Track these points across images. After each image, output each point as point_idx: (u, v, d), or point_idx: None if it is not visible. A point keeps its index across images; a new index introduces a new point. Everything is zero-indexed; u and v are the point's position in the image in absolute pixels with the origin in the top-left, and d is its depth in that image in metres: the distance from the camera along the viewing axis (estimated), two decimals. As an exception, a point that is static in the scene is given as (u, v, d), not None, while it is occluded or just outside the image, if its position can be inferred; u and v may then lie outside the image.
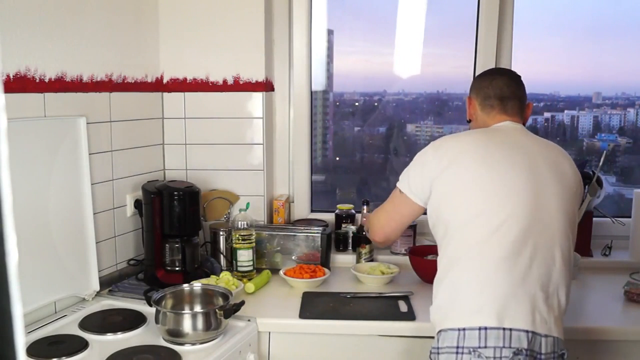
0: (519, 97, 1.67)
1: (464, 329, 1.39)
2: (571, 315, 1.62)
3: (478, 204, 1.47)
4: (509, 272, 1.40)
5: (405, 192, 1.62)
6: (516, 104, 1.65)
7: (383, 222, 1.74)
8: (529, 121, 1.81)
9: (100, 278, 1.92)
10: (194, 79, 2.35)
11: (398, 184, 1.66)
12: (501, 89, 1.66)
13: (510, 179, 1.48)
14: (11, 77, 1.60)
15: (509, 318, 1.37)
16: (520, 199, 1.45)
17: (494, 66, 2.26)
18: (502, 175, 1.48)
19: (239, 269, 2.13)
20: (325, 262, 2.20)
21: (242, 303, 1.71)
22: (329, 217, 2.49)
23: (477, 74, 2.02)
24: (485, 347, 1.36)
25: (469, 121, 1.76)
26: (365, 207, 2.30)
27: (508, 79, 1.68)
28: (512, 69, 2.00)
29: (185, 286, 1.82)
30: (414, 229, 2.35)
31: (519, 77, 1.71)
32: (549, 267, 1.43)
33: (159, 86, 2.33)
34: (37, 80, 1.69)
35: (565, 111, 2.77)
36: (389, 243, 1.96)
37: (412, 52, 2.64)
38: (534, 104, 2.61)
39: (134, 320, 1.75)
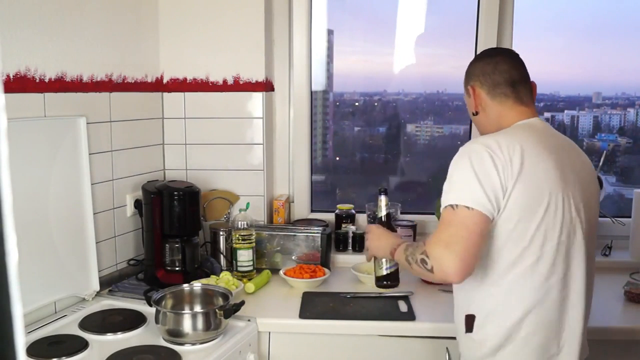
0: (527, 78, 1.54)
1: None
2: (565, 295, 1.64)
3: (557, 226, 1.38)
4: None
5: (475, 207, 1.31)
6: (527, 87, 1.53)
7: (461, 252, 1.29)
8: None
9: (100, 278, 1.92)
10: (194, 79, 2.35)
11: (458, 202, 1.33)
12: (509, 73, 1.50)
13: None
14: (11, 77, 1.60)
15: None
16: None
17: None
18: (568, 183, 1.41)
19: (239, 269, 2.13)
20: (325, 262, 2.20)
21: (242, 303, 1.71)
22: (329, 217, 2.49)
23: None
24: None
25: (476, 114, 1.56)
26: (384, 196, 1.68)
27: (510, 59, 1.54)
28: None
29: (185, 286, 1.82)
30: (414, 229, 2.35)
31: (517, 54, 1.58)
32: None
33: (159, 86, 2.33)
34: (37, 80, 1.69)
35: (565, 111, 2.77)
36: (468, 276, 1.34)
37: (412, 52, 2.64)
38: (534, 104, 2.61)
39: (134, 320, 1.75)
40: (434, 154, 2.86)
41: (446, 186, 1.39)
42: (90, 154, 1.87)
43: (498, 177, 1.33)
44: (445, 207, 1.36)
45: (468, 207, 1.32)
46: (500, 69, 1.51)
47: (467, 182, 1.34)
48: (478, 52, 2.36)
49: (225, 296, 1.72)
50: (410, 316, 1.81)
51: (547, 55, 2.51)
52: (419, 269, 1.38)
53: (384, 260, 1.65)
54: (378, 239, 1.63)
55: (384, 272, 1.67)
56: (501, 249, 1.37)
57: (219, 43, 2.32)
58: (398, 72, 2.68)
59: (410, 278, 2.14)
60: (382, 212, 1.68)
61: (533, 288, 1.37)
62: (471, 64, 1.59)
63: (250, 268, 2.14)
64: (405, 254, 1.45)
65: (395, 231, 1.69)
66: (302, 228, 2.30)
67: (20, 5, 1.63)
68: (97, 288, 1.91)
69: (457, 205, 1.33)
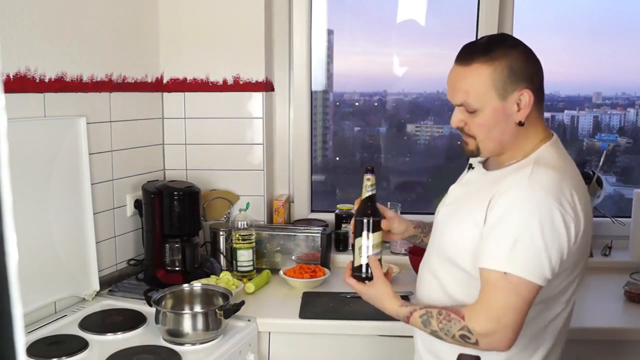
0: None
1: None
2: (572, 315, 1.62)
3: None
4: None
5: (536, 282, 1.16)
6: None
7: (512, 324, 1.16)
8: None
9: (100, 278, 1.92)
10: (194, 79, 2.35)
11: (519, 273, 1.15)
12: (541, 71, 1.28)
13: None
14: (11, 77, 1.60)
15: None
16: None
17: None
18: None
19: (239, 269, 2.13)
20: (325, 262, 2.20)
21: (242, 303, 1.71)
22: (329, 217, 2.49)
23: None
24: None
25: (521, 124, 1.25)
26: (370, 175, 1.42)
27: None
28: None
29: (185, 286, 1.82)
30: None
31: None
32: None
33: (159, 86, 2.33)
34: (37, 80, 1.69)
35: (565, 111, 2.77)
36: None
37: (412, 52, 2.64)
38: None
39: (134, 320, 1.75)
40: (434, 154, 2.86)
41: (501, 241, 1.17)
42: (90, 154, 1.87)
43: (567, 238, 1.17)
44: (496, 270, 1.16)
45: (528, 280, 1.15)
46: (539, 64, 1.27)
47: (535, 253, 1.15)
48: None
49: (225, 296, 1.72)
50: (410, 316, 1.81)
51: (547, 55, 2.50)
52: (457, 343, 1.21)
53: (369, 245, 1.39)
54: (374, 302, 1.38)
55: (363, 261, 1.40)
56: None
57: (219, 43, 2.32)
58: (398, 72, 2.68)
59: (410, 278, 2.14)
60: (366, 193, 1.41)
61: (556, 332, 1.32)
62: (516, 56, 1.23)
63: (250, 268, 2.14)
64: (431, 327, 1.24)
65: (380, 215, 1.41)
66: (302, 228, 2.30)
67: (20, 5, 1.63)
68: (97, 288, 1.91)
69: (511, 274, 1.15)
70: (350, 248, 2.38)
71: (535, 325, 1.27)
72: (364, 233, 1.39)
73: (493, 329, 1.16)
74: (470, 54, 1.26)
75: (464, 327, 1.19)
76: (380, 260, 1.40)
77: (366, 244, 1.39)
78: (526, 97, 1.22)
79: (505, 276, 1.15)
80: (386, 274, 1.38)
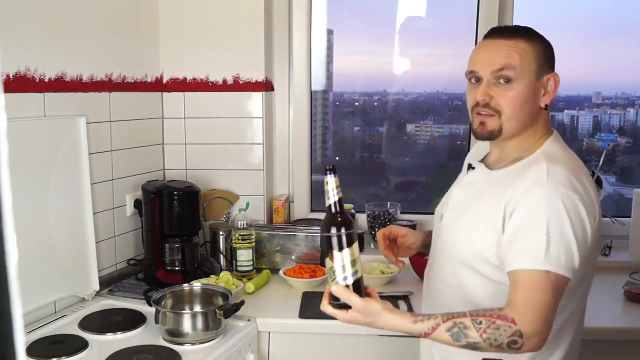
0: None
1: None
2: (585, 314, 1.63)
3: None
4: None
5: (569, 276, 1.15)
6: None
7: (552, 320, 1.15)
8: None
9: (100, 278, 1.92)
10: (194, 79, 2.35)
11: (557, 270, 1.13)
12: None
13: None
14: (11, 77, 1.60)
15: None
16: None
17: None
18: None
19: (239, 269, 2.13)
20: (325, 262, 2.19)
21: (242, 303, 1.71)
22: (329, 217, 2.49)
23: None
24: None
25: (546, 108, 1.28)
26: (331, 177, 1.19)
27: None
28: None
29: (185, 286, 1.82)
30: (414, 229, 2.34)
31: None
32: None
33: (159, 86, 2.33)
34: (37, 80, 1.69)
35: (565, 111, 2.77)
36: None
37: (413, 52, 2.64)
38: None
39: (134, 320, 1.75)
40: (434, 154, 2.86)
41: (534, 240, 1.14)
42: (90, 154, 1.87)
43: (590, 228, 1.17)
44: (536, 269, 1.13)
45: (563, 276, 1.14)
46: None
47: (568, 248, 1.14)
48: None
49: (225, 296, 1.72)
50: (410, 316, 1.81)
51: (547, 55, 2.51)
52: (497, 351, 1.14)
53: (340, 266, 1.16)
54: (370, 325, 1.20)
55: (342, 284, 1.16)
56: None
57: (219, 43, 2.32)
58: (398, 72, 2.68)
59: (410, 278, 2.14)
60: (332, 199, 1.17)
61: (573, 330, 1.31)
62: (548, 45, 1.28)
63: (250, 268, 2.14)
64: (468, 340, 1.13)
65: (352, 224, 1.18)
66: (302, 228, 2.30)
67: (20, 5, 1.63)
68: (97, 288, 1.91)
69: (551, 272, 1.13)
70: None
71: (556, 322, 1.21)
72: (334, 253, 1.15)
73: (541, 329, 1.12)
74: (510, 31, 1.26)
75: (516, 333, 1.11)
76: (361, 277, 1.17)
77: (341, 264, 1.15)
78: (553, 82, 1.25)
79: (547, 275, 1.13)
80: (368, 292, 1.20)
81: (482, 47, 1.29)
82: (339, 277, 1.14)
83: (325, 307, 1.19)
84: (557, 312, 1.17)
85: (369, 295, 1.17)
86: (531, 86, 1.23)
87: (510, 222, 1.18)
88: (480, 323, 1.12)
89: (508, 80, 1.22)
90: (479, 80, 1.27)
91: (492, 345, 1.12)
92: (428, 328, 1.15)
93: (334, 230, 1.15)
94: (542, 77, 1.25)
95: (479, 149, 1.44)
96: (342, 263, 1.14)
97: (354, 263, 1.15)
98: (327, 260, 1.16)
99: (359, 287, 1.15)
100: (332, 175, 1.16)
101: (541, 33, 1.31)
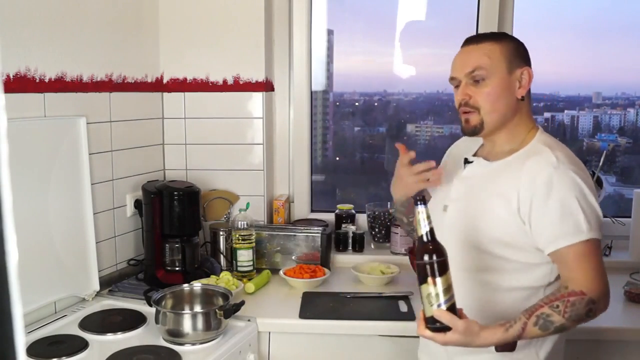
0: None
1: None
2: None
3: None
4: None
5: (601, 237, 1.30)
6: None
7: (606, 278, 1.28)
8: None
9: (100, 278, 1.92)
10: (194, 79, 2.35)
11: (599, 236, 1.28)
12: None
13: None
14: (11, 77, 1.60)
15: None
16: None
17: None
18: None
19: (239, 269, 2.13)
20: (325, 262, 2.20)
21: (242, 303, 1.71)
22: (329, 217, 2.49)
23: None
24: None
25: (522, 99, 1.38)
26: (422, 207, 1.22)
27: None
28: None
29: (185, 286, 1.82)
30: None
31: None
32: None
33: (159, 86, 2.33)
34: (37, 80, 1.69)
35: (565, 111, 2.77)
36: None
37: (412, 52, 2.64)
38: (534, 104, 2.61)
39: (134, 320, 1.75)
40: (434, 154, 2.85)
41: (571, 217, 1.26)
42: (90, 154, 1.87)
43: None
44: (583, 241, 1.25)
45: (599, 238, 1.29)
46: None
47: (596, 212, 1.28)
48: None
49: (225, 296, 1.72)
50: (410, 316, 1.81)
51: (547, 55, 2.51)
52: (576, 325, 1.26)
53: (436, 292, 1.19)
54: (466, 345, 1.23)
55: (442, 307, 1.20)
56: None
57: (219, 43, 2.32)
58: (398, 72, 2.68)
59: (410, 278, 2.14)
60: (424, 228, 1.21)
61: None
62: (518, 43, 1.41)
63: (250, 268, 2.14)
64: (555, 325, 1.23)
65: (445, 252, 1.21)
66: (302, 228, 2.30)
67: (20, 5, 1.63)
68: (97, 288, 1.91)
69: (591, 239, 1.26)
70: (350, 248, 2.39)
71: None
72: (430, 279, 1.19)
73: (605, 290, 1.26)
74: (479, 37, 1.42)
75: (589, 302, 1.23)
76: (454, 300, 1.21)
77: (434, 292, 1.19)
78: (527, 75, 1.36)
79: (589, 242, 1.26)
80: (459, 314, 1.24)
81: (457, 55, 1.42)
82: (437, 302, 1.20)
83: (423, 330, 1.23)
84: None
85: (460, 316, 1.22)
86: (503, 81, 1.35)
87: (534, 207, 1.28)
88: (557, 307, 1.23)
89: (481, 79, 1.35)
90: (458, 84, 1.40)
91: (575, 321, 1.24)
92: (518, 330, 1.23)
93: (430, 258, 1.19)
94: (513, 72, 1.36)
95: (467, 147, 1.53)
96: (440, 288, 1.19)
97: (448, 288, 1.20)
98: (424, 287, 1.20)
99: (454, 310, 1.20)
100: (423, 205, 1.21)
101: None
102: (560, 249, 1.27)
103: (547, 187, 1.27)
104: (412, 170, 1.45)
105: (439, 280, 1.19)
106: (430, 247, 1.20)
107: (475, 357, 1.35)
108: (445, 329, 1.20)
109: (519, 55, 1.38)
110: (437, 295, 1.19)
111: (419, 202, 1.21)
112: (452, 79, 1.41)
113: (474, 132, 1.39)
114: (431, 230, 1.21)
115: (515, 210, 1.30)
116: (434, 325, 1.21)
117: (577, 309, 1.23)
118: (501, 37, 1.40)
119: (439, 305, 1.19)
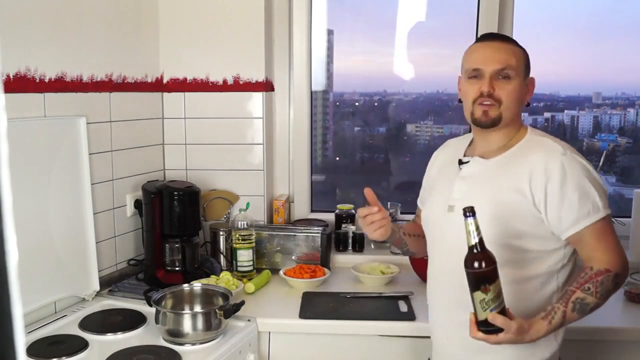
0: None
1: None
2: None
3: None
4: None
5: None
6: None
7: (622, 249, 1.39)
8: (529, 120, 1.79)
9: (100, 278, 1.92)
10: (194, 79, 2.35)
11: (609, 210, 1.37)
12: None
13: None
14: (11, 77, 1.60)
15: None
16: None
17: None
18: None
19: (239, 269, 2.13)
20: (325, 262, 2.20)
21: (242, 303, 1.71)
22: (329, 217, 2.49)
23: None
24: None
25: (527, 105, 1.51)
26: (471, 219, 1.25)
27: None
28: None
29: (185, 286, 1.82)
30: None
31: None
32: None
33: (159, 86, 2.33)
34: (37, 80, 1.69)
35: (565, 111, 2.77)
36: None
37: (412, 52, 2.64)
38: (534, 104, 2.61)
39: (134, 320, 1.75)
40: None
41: (586, 197, 1.33)
42: (90, 154, 1.87)
43: None
44: (598, 219, 1.34)
45: (609, 213, 1.37)
46: None
47: (603, 189, 1.38)
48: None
49: (225, 296, 1.72)
50: (410, 316, 1.81)
51: (547, 55, 2.51)
52: (606, 299, 1.34)
53: (489, 298, 1.25)
54: (519, 342, 1.29)
55: (495, 311, 1.26)
56: None
57: (219, 43, 2.32)
58: (398, 72, 2.68)
59: (410, 278, 2.14)
60: (475, 239, 1.25)
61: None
62: (526, 52, 1.47)
63: (250, 268, 2.14)
64: (590, 305, 1.32)
65: (494, 260, 1.26)
66: (302, 228, 2.30)
67: (20, 5, 1.63)
68: (97, 288, 1.91)
69: (607, 215, 1.36)
70: (350, 248, 2.39)
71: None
72: (483, 287, 1.25)
73: (625, 261, 1.36)
74: (504, 38, 1.48)
75: (615, 277, 1.32)
76: (504, 305, 1.27)
77: (488, 297, 1.25)
78: (532, 84, 1.48)
79: (604, 219, 1.35)
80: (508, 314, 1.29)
81: (482, 48, 1.46)
82: (490, 306, 1.26)
83: (476, 333, 1.28)
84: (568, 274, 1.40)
85: (509, 317, 1.27)
86: (521, 85, 1.43)
87: (550, 194, 1.33)
88: (589, 289, 1.31)
89: (507, 77, 1.40)
90: (478, 76, 1.42)
91: (606, 297, 1.33)
92: (560, 319, 1.30)
93: (482, 267, 1.25)
94: (526, 79, 1.45)
95: (454, 151, 1.57)
96: (493, 294, 1.25)
97: (499, 293, 1.26)
98: (477, 294, 1.25)
99: (504, 312, 1.27)
100: (472, 217, 1.25)
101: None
102: (581, 229, 1.33)
103: (561, 174, 1.33)
104: (360, 215, 1.53)
105: (491, 287, 1.24)
106: (482, 256, 1.25)
107: (494, 354, 1.37)
108: (497, 330, 1.26)
109: (529, 65, 1.47)
110: (490, 300, 1.25)
111: (468, 214, 1.25)
112: (475, 70, 1.43)
113: (492, 124, 1.42)
114: (481, 240, 1.25)
115: (530, 200, 1.34)
116: (487, 327, 1.27)
117: (606, 286, 1.31)
118: (519, 45, 1.47)
119: (492, 310, 1.25)
